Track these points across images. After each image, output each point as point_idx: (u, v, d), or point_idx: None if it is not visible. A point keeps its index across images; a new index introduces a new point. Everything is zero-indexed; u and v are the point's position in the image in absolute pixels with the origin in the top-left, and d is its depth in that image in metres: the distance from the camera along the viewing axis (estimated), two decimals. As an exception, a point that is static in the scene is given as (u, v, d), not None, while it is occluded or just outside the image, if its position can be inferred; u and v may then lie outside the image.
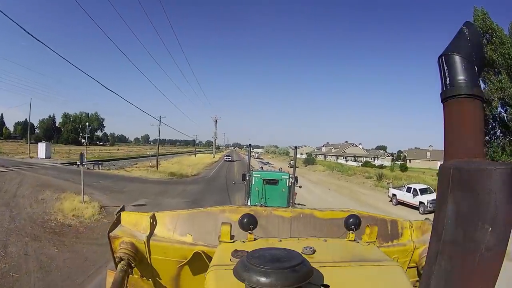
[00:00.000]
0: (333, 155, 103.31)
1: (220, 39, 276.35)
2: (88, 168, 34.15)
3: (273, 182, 10.97)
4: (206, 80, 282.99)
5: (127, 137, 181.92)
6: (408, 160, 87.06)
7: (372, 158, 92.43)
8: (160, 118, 43.37)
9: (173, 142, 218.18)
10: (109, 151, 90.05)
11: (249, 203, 10.73)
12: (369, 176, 42.67)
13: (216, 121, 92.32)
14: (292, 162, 62.91)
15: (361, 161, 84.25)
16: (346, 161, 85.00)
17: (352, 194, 30.33)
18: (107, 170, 36.31)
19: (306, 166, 66.34)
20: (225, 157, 73.32)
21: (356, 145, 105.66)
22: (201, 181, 33.29)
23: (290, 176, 11.12)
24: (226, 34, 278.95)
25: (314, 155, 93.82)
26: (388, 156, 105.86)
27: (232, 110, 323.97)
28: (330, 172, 53.68)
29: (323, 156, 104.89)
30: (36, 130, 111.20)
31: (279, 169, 20.33)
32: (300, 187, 12.74)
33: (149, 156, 47.07)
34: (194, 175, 38.65)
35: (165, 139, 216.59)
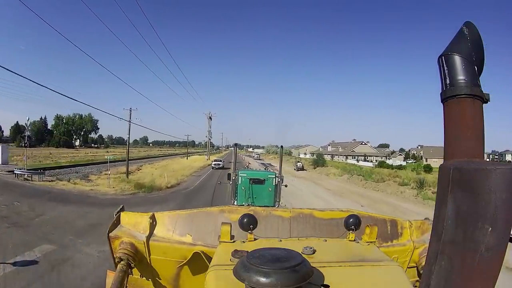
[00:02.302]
0: (341, 155, 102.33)
1: (221, 37, 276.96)
2: (26, 179, 28.04)
3: (259, 181, 11.32)
4: (206, 79, 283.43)
5: (125, 139, 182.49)
6: (425, 159, 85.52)
7: (386, 157, 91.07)
8: (130, 110, 36.73)
9: (172, 144, 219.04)
10: (95, 154, 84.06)
11: (235, 203, 11.08)
12: (403, 183, 34.26)
13: (211, 118, 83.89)
14: (298, 164, 60.79)
15: (371, 161, 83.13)
16: (357, 161, 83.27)
17: (397, 213, 20.13)
18: (50, 181, 28.81)
19: (315, 168, 59.75)
20: (213, 163, 54.67)
21: (365, 143, 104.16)
22: (177, 197, 24.24)
23: (277, 175, 11.35)
24: (227, 32, 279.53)
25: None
26: (400, 154, 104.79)
27: (232, 110, 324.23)
28: (350, 177, 43.77)
29: (330, 156, 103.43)
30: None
31: (265, 168, 20.60)
32: (285, 186, 13.01)
33: (132, 160, 36.90)
34: (171, 187, 29.41)
35: (164, 141, 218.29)
